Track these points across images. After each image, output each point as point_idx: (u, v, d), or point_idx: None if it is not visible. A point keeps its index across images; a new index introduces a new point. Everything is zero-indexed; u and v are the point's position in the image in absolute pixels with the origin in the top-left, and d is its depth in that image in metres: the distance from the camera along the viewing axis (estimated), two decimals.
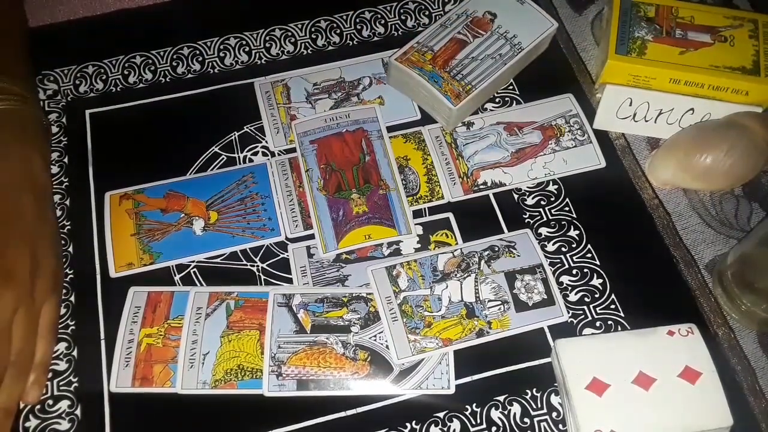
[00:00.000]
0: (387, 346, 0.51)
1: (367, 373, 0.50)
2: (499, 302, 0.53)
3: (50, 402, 0.50)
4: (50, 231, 0.54)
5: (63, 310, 0.53)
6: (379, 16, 0.67)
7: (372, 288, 0.53)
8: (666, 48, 0.60)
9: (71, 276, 0.54)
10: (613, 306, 0.53)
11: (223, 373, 0.50)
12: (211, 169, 0.59)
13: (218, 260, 0.55)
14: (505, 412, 0.50)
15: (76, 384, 0.50)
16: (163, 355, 0.51)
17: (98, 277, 0.54)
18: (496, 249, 0.55)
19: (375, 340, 0.51)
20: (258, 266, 0.55)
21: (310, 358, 0.51)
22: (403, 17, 0.67)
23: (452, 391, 0.50)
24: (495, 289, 0.53)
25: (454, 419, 0.49)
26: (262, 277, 0.55)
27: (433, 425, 0.49)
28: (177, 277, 0.55)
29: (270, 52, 0.65)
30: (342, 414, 0.49)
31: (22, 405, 0.49)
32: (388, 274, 0.54)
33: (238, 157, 0.60)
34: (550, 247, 0.56)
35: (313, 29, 0.67)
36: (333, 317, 0.52)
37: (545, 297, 0.53)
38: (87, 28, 0.66)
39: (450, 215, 0.57)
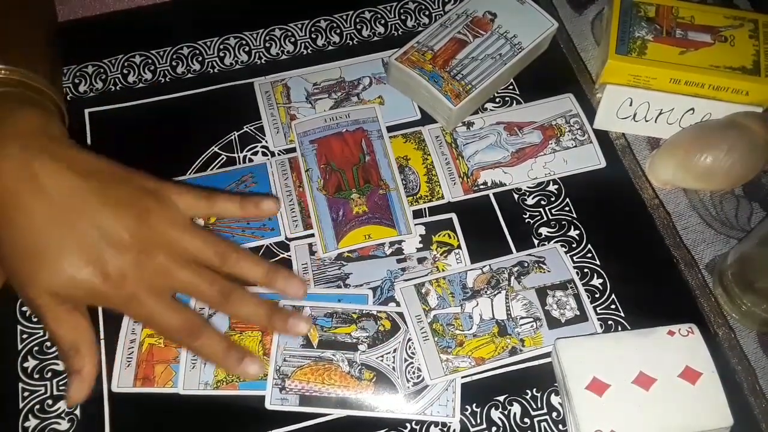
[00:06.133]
0: (418, 367, 0.50)
1: (371, 394, 0.50)
2: (531, 319, 0.52)
3: (50, 402, 0.50)
4: None
5: None
6: (379, 16, 0.67)
7: (402, 307, 0.52)
8: (666, 48, 0.60)
9: None
10: (613, 306, 0.53)
11: (225, 374, 0.50)
12: (211, 169, 0.59)
13: None
14: (505, 412, 0.50)
15: None
16: (164, 355, 0.51)
17: None
18: (526, 265, 0.54)
19: (382, 360, 0.51)
20: None
21: (314, 374, 0.50)
22: (403, 17, 0.67)
23: (456, 419, 0.49)
24: (526, 306, 0.52)
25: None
26: None
27: (432, 425, 0.49)
28: None
29: (270, 51, 0.65)
30: (342, 414, 0.49)
31: (22, 404, 0.49)
32: (417, 292, 0.53)
33: (238, 156, 0.60)
34: None
35: (313, 29, 0.66)
36: (341, 333, 0.51)
37: (578, 313, 0.52)
38: (86, 28, 0.66)
39: (453, 216, 0.57)
